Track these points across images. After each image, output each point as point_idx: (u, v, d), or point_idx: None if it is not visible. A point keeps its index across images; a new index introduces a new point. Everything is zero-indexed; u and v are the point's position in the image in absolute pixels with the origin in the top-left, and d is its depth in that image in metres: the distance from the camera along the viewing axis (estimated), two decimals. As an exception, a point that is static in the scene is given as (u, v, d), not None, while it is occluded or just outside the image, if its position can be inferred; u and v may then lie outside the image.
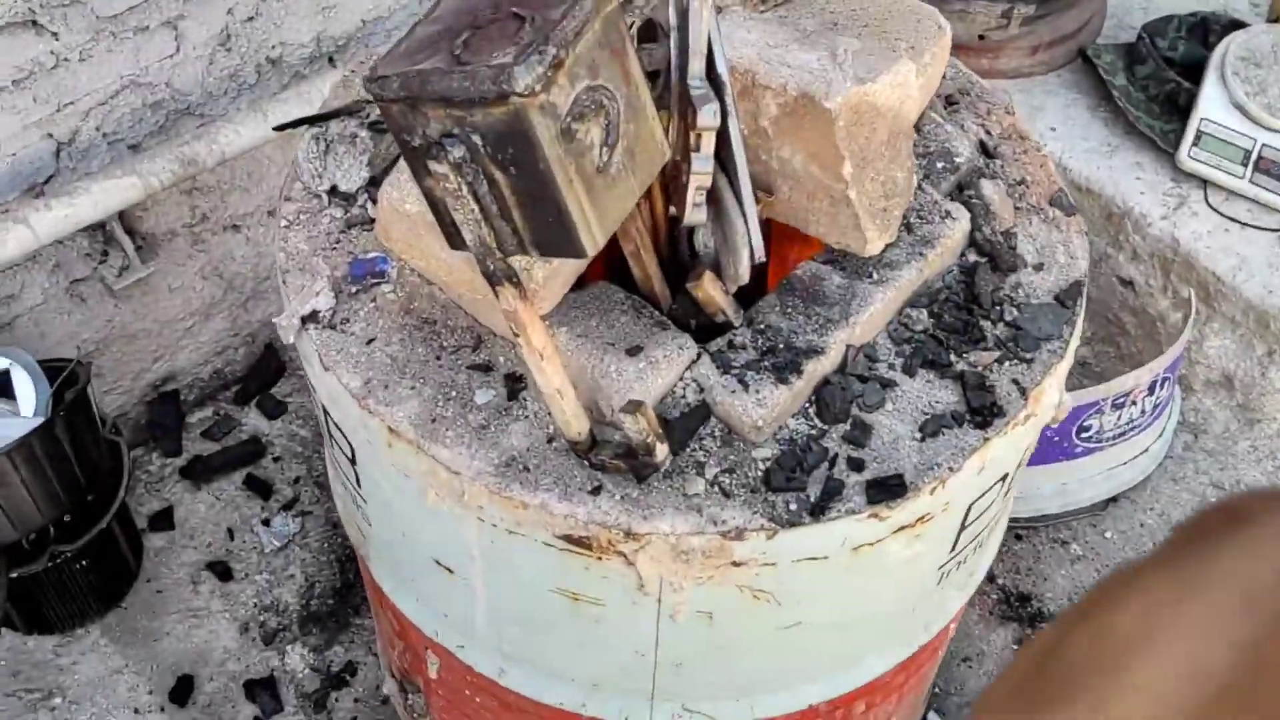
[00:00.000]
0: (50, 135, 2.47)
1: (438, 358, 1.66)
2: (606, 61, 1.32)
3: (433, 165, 1.31)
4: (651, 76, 1.59)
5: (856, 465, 1.54)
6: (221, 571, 2.72)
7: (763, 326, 1.63)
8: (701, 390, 1.59)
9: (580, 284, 1.66)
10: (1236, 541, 0.51)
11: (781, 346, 1.61)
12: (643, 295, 1.66)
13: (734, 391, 1.56)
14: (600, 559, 1.52)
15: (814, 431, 1.59)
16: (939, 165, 1.82)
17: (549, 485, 1.52)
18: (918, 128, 1.86)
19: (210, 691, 2.56)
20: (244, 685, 2.56)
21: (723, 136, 1.56)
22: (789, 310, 1.65)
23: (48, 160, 2.50)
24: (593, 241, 1.34)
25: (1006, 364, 1.67)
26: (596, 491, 1.52)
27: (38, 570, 2.39)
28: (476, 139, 1.29)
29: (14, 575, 2.36)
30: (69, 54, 2.41)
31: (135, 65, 2.53)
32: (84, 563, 2.48)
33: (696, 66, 1.51)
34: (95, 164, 2.56)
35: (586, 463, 1.54)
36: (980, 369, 1.66)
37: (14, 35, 2.32)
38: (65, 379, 2.43)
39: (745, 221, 1.56)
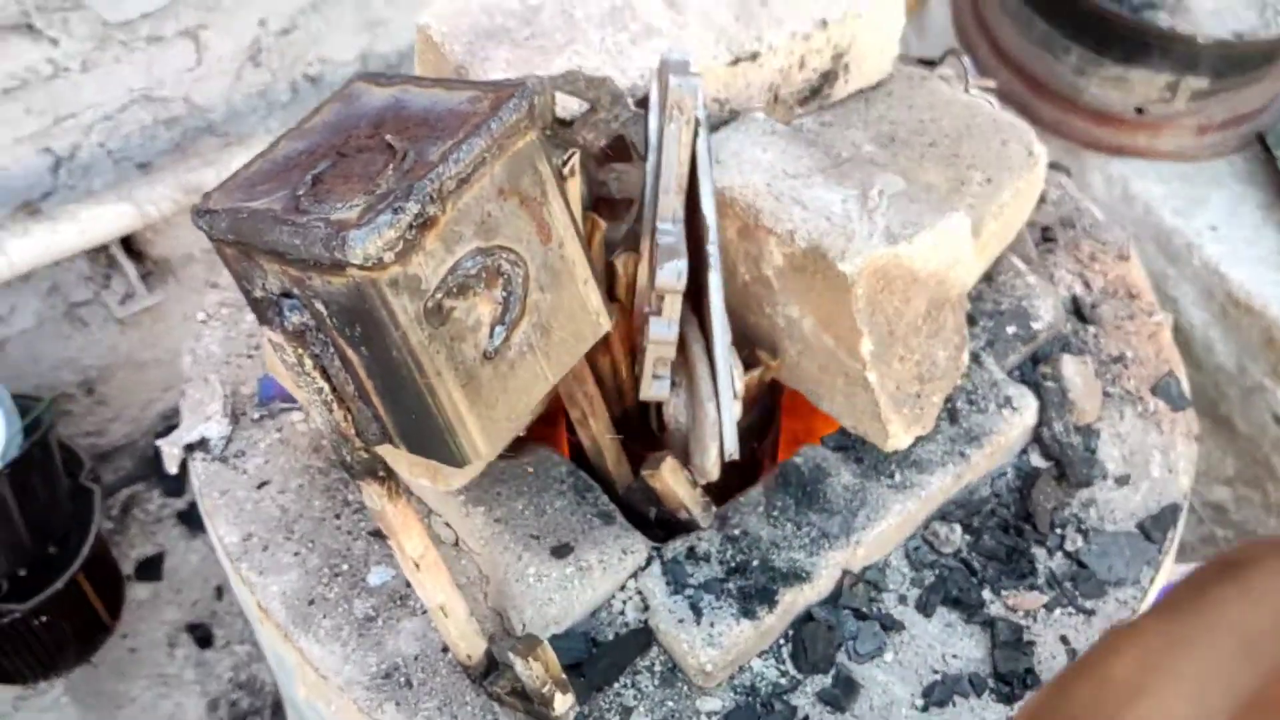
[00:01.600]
0: (48, 149, 2.25)
1: (337, 516, 1.35)
2: (511, 215, 0.98)
3: (268, 332, 0.99)
4: (624, 204, 1.24)
5: (826, 744, 1.18)
6: (201, 637, 2.49)
7: (737, 533, 1.27)
8: (646, 607, 1.24)
9: (521, 443, 1.32)
10: (1234, 588, 0.52)
11: (756, 564, 1.24)
12: (593, 472, 1.32)
13: (682, 620, 1.20)
14: (477, 822, 1.19)
15: (783, 681, 1.22)
16: (1009, 330, 1.42)
17: (429, 711, 1.20)
18: (990, 276, 1.47)
19: (166, 771, 2.34)
20: (201, 771, 2.33)
21: (701, 291, 1.21)
22: (775, 513, 1.28)
23: (44, 176, 2.27)
24: (472, 448, 1.00)
25: (1057, 612, 1.27)
26: (488, 730, 1.19)
27: (-15, 627, 2.19)
28: (320, 306, 0.96)
29: (-43, 630, 2.17)
30: (69, 63, 2.18)
31: (148, 77, 2.28)
32: (43, 619, 2.27)
33: (667, 206, 1.15)
34: (99, 181, 2.33)
35: (481, 691, 1.21)
36: (1020, 615, 1.27)
37: (5, 40, 2.09)
38: (31, 423, 2.21)
39: (719, 409, 1.20)
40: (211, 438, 1.38)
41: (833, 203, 1.22)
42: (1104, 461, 1.37)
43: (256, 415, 1.41)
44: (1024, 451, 1.38)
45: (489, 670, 1.20)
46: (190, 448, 1.38)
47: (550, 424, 1.46)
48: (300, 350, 0.99)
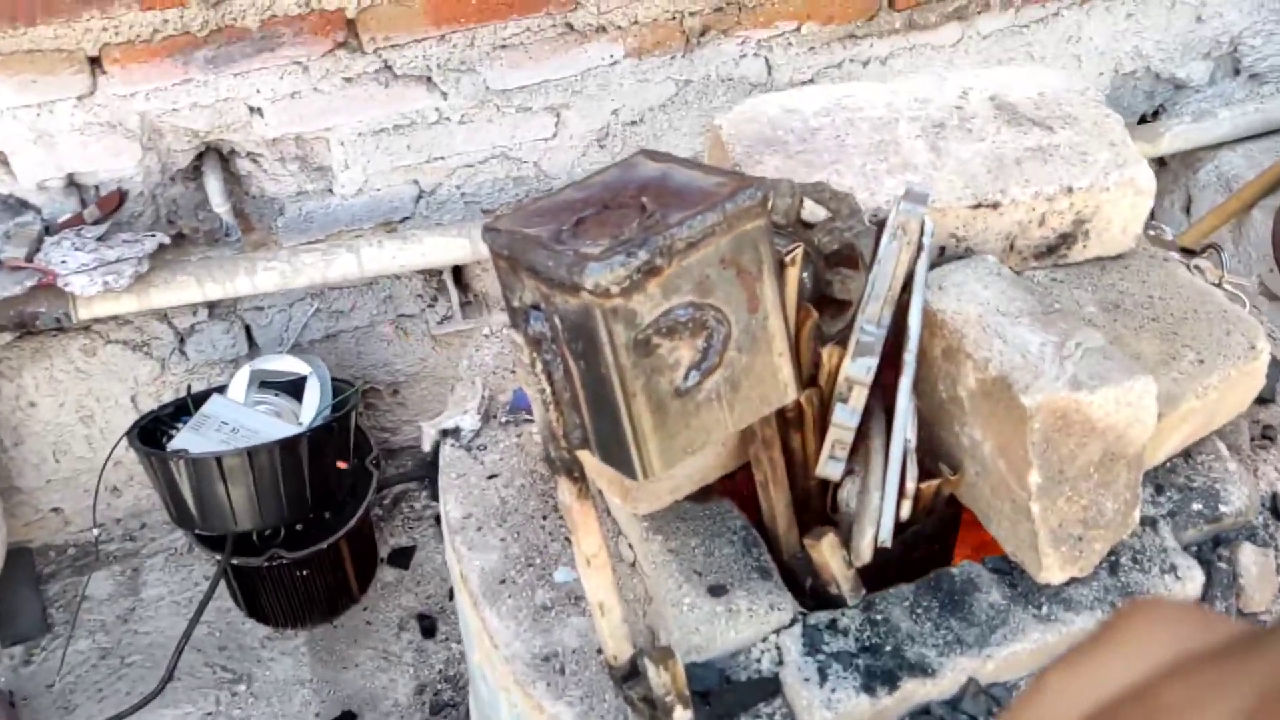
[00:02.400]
0: (415, 182, 2.64)
1: (544, 517, 1.56)
2: (726, 282, 1.17)
3: (512, 334, 1.22)
4: (844, 306, 1.40)
5: (906, 826, 1.26)
6: (427, 627, 2.76)
7: (879, 618, 1.38)
8: (781, 662, 1.38)
9: (708, 493, 1.50)
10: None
11: (888, 649, 1.35)
12: (764, 532, 1.47)
13: (808, 679, 1.33)
14: (586, 801, 1.35)
15: (887, 762, 1.32)
16: (1194, 506, 1.47)
17: (573, 699, 1.37)
18: (1190, 454, 1.52)
19: (366, 736, 2.61)
20: (393, 745, 2.58)
21: (891, 393, 1.35)
22: (919, 610, 1.39)
23: (407, 203, 2.67)
24: (649, 466, 1.19)
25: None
26: (616, 726, 1.35)
27: (257, 565, 2.54)
28: (557, 320, 1.18)
29: (235, 564, 2.53)
30: (451, 114, 2.56)
31: (510, 139, 2.64)
32: (304, 572, 2.61)
33: (872, 311, 1.31)
34: (448, 217, 2.70)
35: (619, 692, 1.37)
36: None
37: (408, 86, 2.50)
38: (340, 402, 2.58)
39: (882, 498, 1.33)
40: (464, 428, 1.63)
41: (1031, 343, 1.33)
42: (1260, 654, 1.39)
43: (504, 420, 1.65)
44: (1180, 623, 1.42)
45: (629, 676, 1.37)
46: (445, 433, 1.64)
47: (736, 484, 1.62)
48: (535, 354, 1.21)
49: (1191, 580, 1.40)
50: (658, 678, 1.26)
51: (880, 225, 1.38)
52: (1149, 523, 1.44)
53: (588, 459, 1.34)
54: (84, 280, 2.24)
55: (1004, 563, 1.43)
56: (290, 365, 2.63)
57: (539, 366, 1.21)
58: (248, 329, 2.76)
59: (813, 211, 1.41)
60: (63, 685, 2.66)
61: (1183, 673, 0.41)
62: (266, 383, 2.61)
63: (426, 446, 1.63)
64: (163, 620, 2.81)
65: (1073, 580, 1.38)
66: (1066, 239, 1.51)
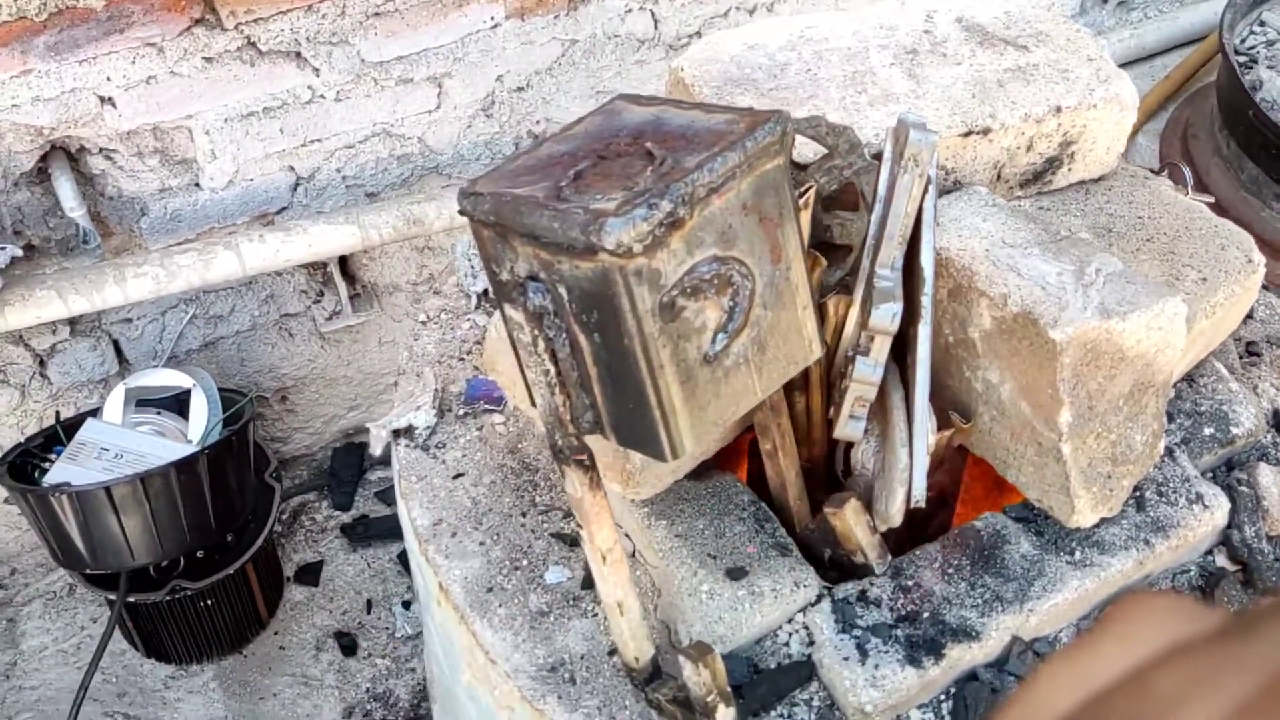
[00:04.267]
0: (291, 168, 2.43)
1: (523, 514, 1.41)
2: (750, 230, 1.04)
3: (509, 310, 1.07)
4: (843, 251, 1.29)
5: (977, 804, 1.17)
6: (347, 645, 2.57)
7: (910, 583, 1.28)
8: (811, 642, 1.26)
9: (705, 469, 1.37)
10: None
11: (926, 615, 1.26)
12: (774, 505, 1.35)
13: (847, 659, 1.22)
14: (622, 822, 1.21)
15: (940, 737, 1.22)
16: (1206, 432, 1.42)
17: (590, 710, 1.24)
18: (1191, 378, 1.47)
19: (295, 770, 2.41)
20: (328, 776, 2.39)
21: (907, 343, 1.25)
22: (950, 570, 1.30)
23: (284, 192, 2.45)
24: (679, 444, 1.05)
25: (1229, 717, 1.24)
26: (643, 735, 1.22)
27: (157, 601, 2.31)
28: (563, 291, 1.04)
29: (132, 601, 2.29)
30: (326, 91, 2.36)
31: (391, 114, 2.45)
32: (209, 602, 2.39)
33: (889, 254, 1.20)
34: (329, 204, 2.50)
35: (642, 696, 1.24)
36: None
37: (275, 63, 2.29)
38: (233, 414, 2.36)
39: (910, 454, 1.23)
40: (418, 426, 1.46)
41: (1048, 274, 1.25)
42: (1293, 575, 1.34)
43: (461, 412, 1.49)
44: (1209, 552, 1.36)
45: (652, 677, 1.24)
46: (397, 433, 1.47)
47: (734, 456, 1.51)
48: (536, 331, 1.06)
49: (1219, 508, 1.34)
50: (697, 676, 1.13)
51: (876, 159, 1.27)
52: (1166, 452, 1.38)
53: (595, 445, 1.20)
54: (-69, 303, 1.97)
55: (1027, 510, 1.35)
56: (170, 379, 2.39)
57: (541, 345, 1.07)
58: (116, 344, 2.50)
59: (799, 152, 1.29)
60: (-56, 758, 2.39)
61: (1176, 662, 0.41)
62: (145, 400, 2.37)
63: (377, 450, 1.47)
64: (49, 673, 2.54)
65: (1102, 521, 1.31)
66: (1053, 163, 1.43)
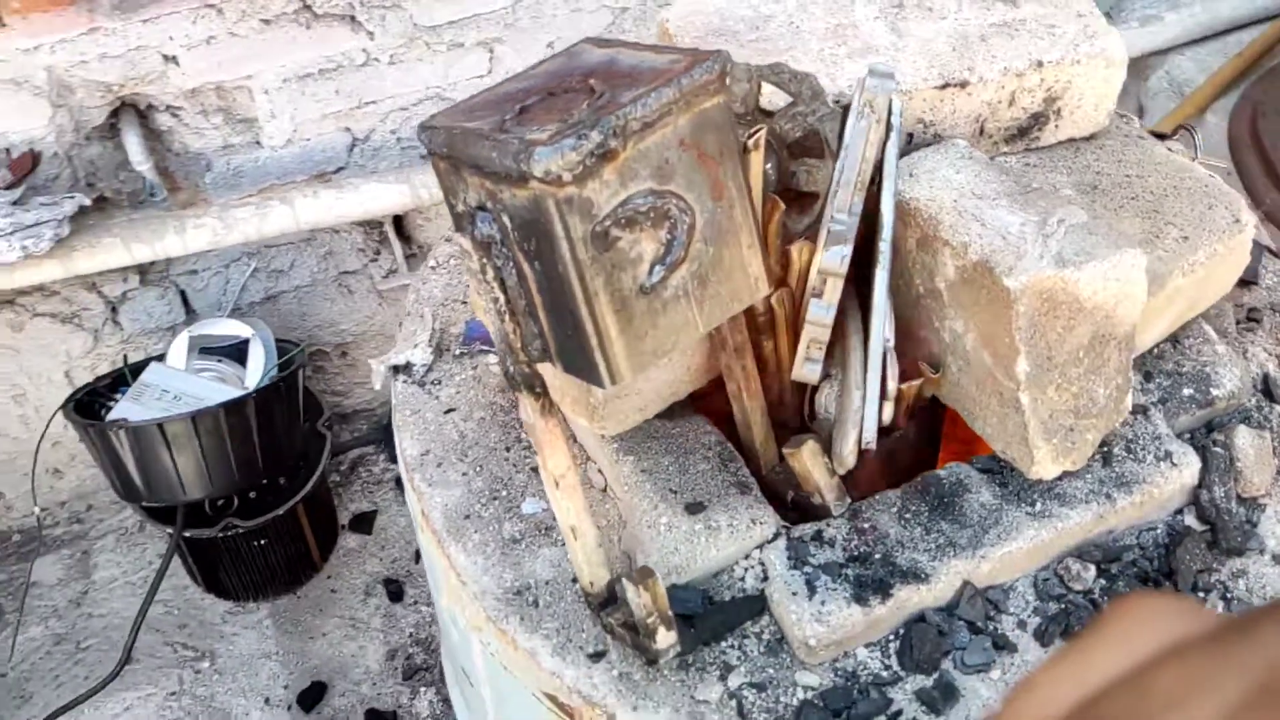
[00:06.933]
0: (347, 129, 2.53)
1: (507, 449, 1.47)
2: (688, 166, 1.08)
3: (461, 239, 1.12)
4: (811, 199, 1.32)
5: (910, 737, 1.20)
6: (394, 591, 2.67)
7: (866, 526, 1.31)
8: (765, 578, 1.30)
9: (678, 409, 1.41)
10: None
11: (878, 557, 1.28)
12: (741, 447, 1.39)
13: (795, 594, 1.26)
14: (574, 736, 1.27)
15: (885, 674, 1.25)
16: (1185, 391, 1.41)
17: (549, 631, 1.29)
18: (1176, 338, 1.46)
19: (336, 706, 2.51)
20: (366, 713, 2.49)
21: (865, 289, 1.27)
22: (908, 516, 1.32)
23: (340, 152, 2.55)
24: (616, 371, 1.10)
25: (1182, 671, 1.24)
26: (597, 657, 1.27)
27: (212, 537, 2.43)
28: (506, 219, 1.09)
29: (189, 536, 2.42)
30: (380, 55, 2.45)
31: (443, 78, 2.53)
32: (262, 542, 2.51)
33: (843, 198, 1.23)
34: (384, 165, 2.59)
35: (597, 620, 1.29)
36: (1141, 666, 1.24)
37: (330, 27, 2.38)
38: (286, 363, 2.47)
39: (863, 399, 1.25)
40: (415, 363, 1.53)
41: (1011, 224, 1.26)
42: (1264, 536, 1.33)
43: (458, 352, 1.56)
44: (1179, 512, 1.36)
45: (607, 603, 1.29)
46: (396, 369, 1.54)
47: (709, 399, 1.54)
48: (485, 260, 1.11)
49: (1188, 466, 1.34)
50: (637, 598, 1.18)
51: (845, 109, 1.29)
52: (1140, 410, 1.38)
53: (551, 376, 1.26)
54: (1, 246, 2.11)
55: (993, 462, 1.36)
56: (231, 329, 2.51)
57: (490, 273, 1.12)
58: (183, 294, 2.63)
59: (771, 100, 1.32)
60: (16, 674, 2.55)
61: (1174, 661, 0.41)
62: (208, 348, 2.50)
63: (377, 384, 1.54)
64: (117, 602, 2.69)
65: (1065, 474, 1.32)
66: (1038, 119, 1.43)
